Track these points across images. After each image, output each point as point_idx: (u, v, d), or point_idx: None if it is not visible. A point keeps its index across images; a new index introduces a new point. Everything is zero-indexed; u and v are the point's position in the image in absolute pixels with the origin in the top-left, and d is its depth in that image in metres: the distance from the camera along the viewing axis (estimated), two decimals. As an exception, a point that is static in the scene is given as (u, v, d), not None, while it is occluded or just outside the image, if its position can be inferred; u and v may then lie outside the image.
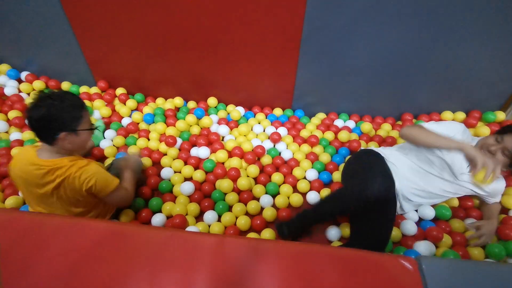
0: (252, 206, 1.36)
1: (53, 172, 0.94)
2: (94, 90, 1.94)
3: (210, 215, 1.33)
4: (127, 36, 1.67)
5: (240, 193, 1.44)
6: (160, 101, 1.95)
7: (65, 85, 1.96)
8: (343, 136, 1.75)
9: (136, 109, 1.90)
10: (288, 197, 1.45)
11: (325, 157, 1.64)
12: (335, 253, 0.52)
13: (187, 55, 1.71)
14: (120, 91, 1.95)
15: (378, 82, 1.75)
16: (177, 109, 1.92)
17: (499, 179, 1.25)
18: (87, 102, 1.84)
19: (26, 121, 0.92)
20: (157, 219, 1.29)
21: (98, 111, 1.82)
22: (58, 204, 1.00)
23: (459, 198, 1.40)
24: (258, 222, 1.32)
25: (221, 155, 1.58)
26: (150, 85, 1.94)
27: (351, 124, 1.88)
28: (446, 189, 1.22)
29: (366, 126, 1.82)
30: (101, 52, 1.78)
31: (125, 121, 1.80)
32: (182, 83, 1.90)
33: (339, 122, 1.88)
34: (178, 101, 1.93)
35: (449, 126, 1.22)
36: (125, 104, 1.90)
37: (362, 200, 1.02)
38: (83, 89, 1.95)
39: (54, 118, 0.90)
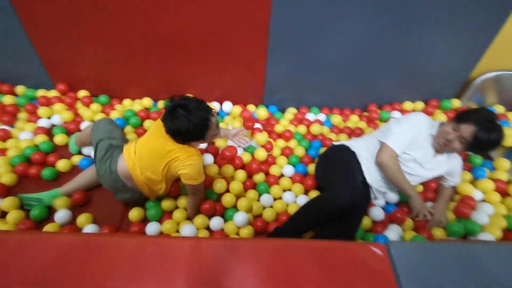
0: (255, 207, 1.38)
1: (174, 152, 1.11)
2: (53, 93, 1.81)
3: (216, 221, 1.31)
4: (88, 34, 1.57)
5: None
6: (127, 102, 1.86)
7: (20, 89, 1.81)
8: (316, 129, 1.79)
9: (102, 112, 1.80)
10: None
11: (299, 151, 1.67)
12: (311, 245, 0.54)
13: (154, 53, 1.66)
14: (82, 93, 1.84)
15: (344, 75, 1.81)
16: (146, 110, 1.85)
17: (457, 160, 1.34)
18: (45, 108, 1.72)
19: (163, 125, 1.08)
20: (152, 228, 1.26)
21: (59, 115, 1.70)
22: (161, 175, 1.16)
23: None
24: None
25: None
26: (115, 86, 1.85)
27: (322, 117, 1.93)
28: (413, 180, 1.30)
29: (336, 119, 1.88)
30: (59, 52, 1.67)
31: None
32: (150, 83, 1.84)
33: (310, 116, 1.92)
34: (146, 101, 1.86)
35: (417, 126, 1.27)
36: (88, 107, 1.80)
37: (335, 209, 1.10)
38: (41, 92, 1.82)
39: (187, 133, 1.06)
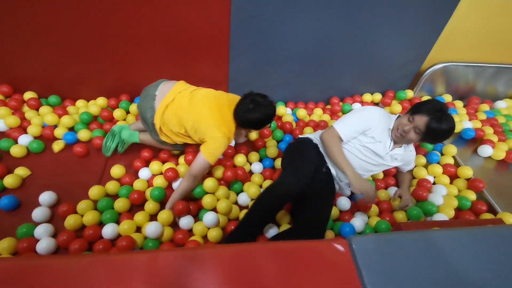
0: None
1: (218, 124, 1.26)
2: (-6, 96, 1.63)
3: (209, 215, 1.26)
4: (33, 30, 1.43)
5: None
6: (81, 103, 1.73)
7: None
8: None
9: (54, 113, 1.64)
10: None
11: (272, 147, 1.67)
12: (272, 247, 0.54)
13: (109, 50, 1.55)
14: (29, 95, 1.67)
15: (307, 69, 1.85)
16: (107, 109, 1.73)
17: (411, 150, 1.40)
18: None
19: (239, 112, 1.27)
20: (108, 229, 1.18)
21: (3, 120, 1.53)
22: (189, 138, 1.34)
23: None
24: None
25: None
26: (66, 86, 1.71)
27: (287, 111, 1.95)
28: (373, 169, 1.36)
29: (301, 112, 1.91)
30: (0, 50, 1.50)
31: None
32: (105, 81, 1.72)
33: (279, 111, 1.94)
34: (101, 101, 1.75)
35: (368, 119, 1.29)
36: (36, 110, 1.64)
37: (282, 195, 1.14)
38: (-21, 96, 1.63)
39: (255, 123, 1.29)
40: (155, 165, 1.45)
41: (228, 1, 1.42)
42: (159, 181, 1.39)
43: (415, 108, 1.24)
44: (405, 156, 1.38)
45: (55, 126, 1.59)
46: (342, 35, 1.68)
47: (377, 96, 2.05)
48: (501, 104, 2.16)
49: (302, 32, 1.63)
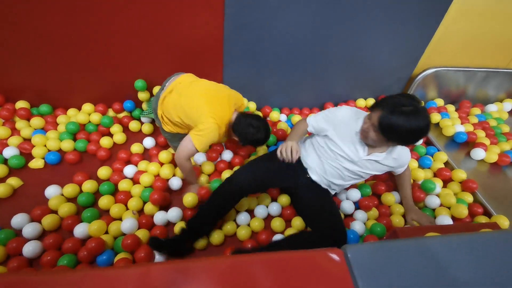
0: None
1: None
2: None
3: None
4: (24, 39, 1.41)
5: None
6: (72, 112, 1.71)
7: None
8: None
9: (43, 129, 1.62)
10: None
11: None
12: (266, 258, 0.53)
13: (104, 57, 1.55)
14: (21, 104, 1.65)
15: (301, 75, 1.86)
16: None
17: (394, 157, 1.21)
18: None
19: None
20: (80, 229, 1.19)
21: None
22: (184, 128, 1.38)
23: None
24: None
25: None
26: (59, 94, 1.69)
27: (283, 117, 1.95)
28: (352, 177, 1.28)
29: (296, 118, 1.91)
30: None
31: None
32: (97, 88, 1.70)
33: (272, 116, 1.94)
34: (89, 108, 1.72)
35: (331, 118, 1.24)
36: (26, 120, 1.61)
37: (232, 188, 1.20)
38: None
39: (246, 135, 1.32)
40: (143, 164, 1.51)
41: (221, 9, 1.43)
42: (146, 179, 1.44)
43: (373, 105, 1.09)
44: (390, 162, 1.22)
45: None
46: (335, 41, 1.69)
47: (371, 101, 2.07)
48: (492, 108, 2.19)
49: (295, 38, 1.64)
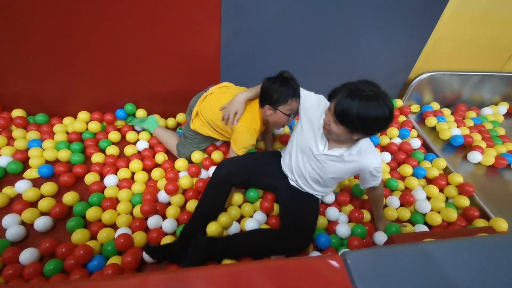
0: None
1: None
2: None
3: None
4: (19, 46, 1.41)
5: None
6: (68, 120, 1.70)
7: None
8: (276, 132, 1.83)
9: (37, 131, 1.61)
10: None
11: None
12: (265, 266, 0.52)
13: (100, 65, 1.54)
14: (17, 113, 1.64)
15: (299, 80, 1.86)
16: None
17: (355, 160, 1.10)
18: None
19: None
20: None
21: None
22: (215, 133, 1.46)
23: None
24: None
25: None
26: (55, 102, 1.68)
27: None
28: (315, 177, 1.23)
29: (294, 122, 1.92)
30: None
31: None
32: (94, 95, 1.70)
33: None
34: (84, 115, 1.71)
35: (305, 96, 1.23)
36: (24, 129, 1.61)
37: (213, 180, 1.25)
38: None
39: (266, 93, 1.21)
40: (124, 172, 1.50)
41: (217, 15, 1.44)
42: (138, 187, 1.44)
43: (331, 92, 1.00)
44: (354, 158, 1.09)
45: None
46: (331, 46, 1.71)
47: (367, 106, 2.08)
48: (487, 111, 2.21)
49: (291, 44, 1.65)
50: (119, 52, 1.51)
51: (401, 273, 0.53)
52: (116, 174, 1.49)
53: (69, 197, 1.33)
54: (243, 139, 1.32)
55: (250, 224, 1.31)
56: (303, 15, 1.54)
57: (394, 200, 1.50)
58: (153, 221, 1.30)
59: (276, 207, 1.43)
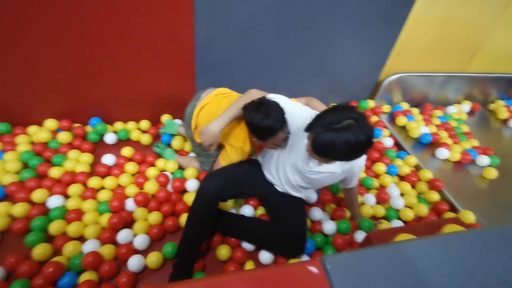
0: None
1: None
2: None
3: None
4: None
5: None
6: (33, 129, 1.59)
7: None
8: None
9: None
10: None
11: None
12: (246, 276, 0.52)
13: (63, 68, 1.46)
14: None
15: (274, 83, 1.87)
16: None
17: (344, 174, 1.16)
18: None
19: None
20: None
21: None
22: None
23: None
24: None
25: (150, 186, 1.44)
26: (18, 110, 1.57)
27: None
28: (303, 185, 1.24)
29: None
30: None
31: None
32: (62, 103, 1.61)
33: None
34: (50, 123, 1.61)
35: (295, 112, 1.16)
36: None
37: (200, 198, 1.14)
38: None
39: (250, 126, 1.12)
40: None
41: (191, 20, 1.42)
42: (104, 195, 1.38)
43: (309, 124, 0.94)
44: (343, 169, 1.13)
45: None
46: (306, 50, 1.74)
47: (342, 107, 2.13)
48: (452, 109, 2.35)
49: (266, 47, 1.66)
50: (90, 57, 1.44)
51: (380, 275, 0.54)
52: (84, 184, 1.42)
53: (19, 209, 1.23)
54: (232, 158, 1.30)
55: (245, 210, 1.37)
56: (277, 20, 1.55)
57: (370, 198, 1.55)
58: (123, 236, 1.24)
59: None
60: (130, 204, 1.36)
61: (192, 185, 1.46)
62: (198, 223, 1.16)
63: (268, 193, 1.33)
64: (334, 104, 2.12)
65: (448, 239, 0.63)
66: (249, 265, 1.23)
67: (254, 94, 1.20)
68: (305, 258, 1.27)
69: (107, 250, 1.17)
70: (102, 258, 1.15)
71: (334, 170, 1.12)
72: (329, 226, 1.37)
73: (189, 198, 1.42)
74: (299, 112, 1.15)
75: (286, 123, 1.11)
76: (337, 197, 1.56)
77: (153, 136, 1.74)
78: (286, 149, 1.18)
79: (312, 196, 1.49)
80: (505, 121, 2.40)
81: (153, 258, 1.18)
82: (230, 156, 1.31)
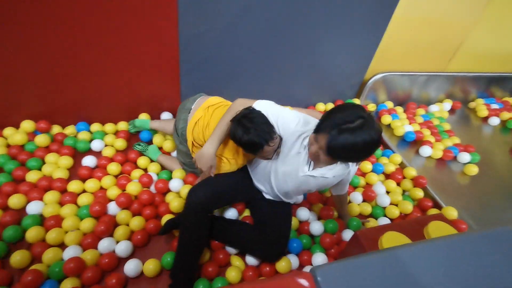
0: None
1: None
2: None
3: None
4: None
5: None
6: (9, 131, 1.52)
7: None
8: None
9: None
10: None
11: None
12: None
13: (39, 68, 1.39)
14: None
15: (261, 82, 1.87)
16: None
17: (342, 168, 1.12)
18: None
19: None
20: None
21: None
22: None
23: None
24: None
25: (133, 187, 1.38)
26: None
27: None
28: (296, 191, 1.22)
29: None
30: None
31: None
32: (38, 105, 1.54)
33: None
34: (27, 124, 1.54)
35: (285, 122, 1.09)
36: None
37: (189, 211, 1.09)
38: None
39: (239, 143, 1.06)
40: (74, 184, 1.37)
41: (175, 18, 1.39)
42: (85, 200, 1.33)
43: (319, 125, 0.94)
44: (335, 177, 1.13)
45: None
46: (292, 48, 1.73)
47: (330, 106, 2.15)
48: (434, 108, 2.40)
49: (252, 46, 1.64)
50: (68, 56, 1.38)
51: (373, 286, 0.52)
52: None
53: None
54: (225, 169, 1.24)
55: (229, 214, 1.36)
56: (263, 19, 1.54)
57: (357, 196, 1.56)
58: (105, 245, 1.19)
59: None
60: (112, 208, 1.31)
61: (176, 185, 1.42)
62: (191, 239, 1.10)
63: (256, 199, 1.31)
64: (321, 103, 2.13)
65: (439, 243, 0.62)
66: (231, 271, 1.21)
67: (238, 105, 1.11)
68: (293, 258, 1.27)
69: (89, 256, 1.13)
70: (85, 264, 1.10)
71: (328, 170, 1.09)
72: (317, 226, 1.36)
73: (170, 198, 1.39)
74: (289, 118, 1.08)
75: (272, 136, 1.03)
76: (323, 197, 1.57)
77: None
78: (281, 161, 1.13)
79: (299, 198, 1.49)
80: (484, 119, 2.48)
81: (150, 266, 1.16)
82: (222, 167, 1.24)
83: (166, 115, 1.79)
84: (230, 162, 1.23)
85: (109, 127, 1.69)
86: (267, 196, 1.30)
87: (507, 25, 2.19)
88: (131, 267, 1.14)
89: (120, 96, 1.64)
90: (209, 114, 1.27)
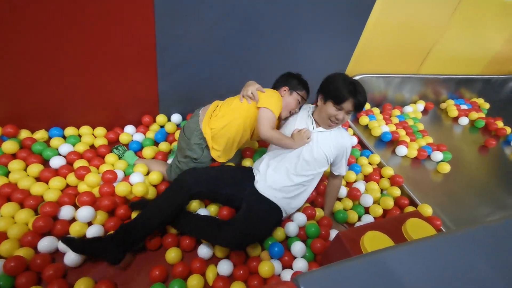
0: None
1: None
2: None
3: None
4: None
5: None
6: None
7: None
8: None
9: None
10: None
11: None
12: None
13: (13, 69, 1.31)
14: None
15: (241, 84, 1.84)
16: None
17: (345, 132, 1.39)
18: None
19: None
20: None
21: None
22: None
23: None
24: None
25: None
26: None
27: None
28: (299, 168, 1.30)
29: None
30: None
31: None
32: (7, 107, 1.44)
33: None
34: None
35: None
36: None
37: (175, 183, 1.21)
38: None
39: (288, 78, 1.50)
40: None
41: (151, 18, 1.35)
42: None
43: (331, 93, 1.24)
44: (335, 136, 1.32)
45: None
46: (271, 51, 1.74)
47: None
48: (408, 109, 2.50)
49: (231, 48, 1.63)
50: (39, 56, 1.30)
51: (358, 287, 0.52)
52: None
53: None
54: (273, 102, 1.32)
55: (202, 212, 1.34)
56: (241, 23, 1.53)
57: (341, 190, 1.57)
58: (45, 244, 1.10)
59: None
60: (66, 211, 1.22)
61: (136, 179, 1.37)
62: (162, 207, 1.15)
63: (245, 195, 1.28)
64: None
65: (422, 246, 0.63)
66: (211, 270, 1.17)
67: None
68: (276, 263, 1.23)
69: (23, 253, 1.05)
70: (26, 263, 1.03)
71: (332, 134, 1.31)
72: (292, 228, 1.34)
73: (120, 188, 1.31)
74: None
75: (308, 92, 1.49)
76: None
77: (110, 141, 1.64)
78: (292, 124, 1.38)
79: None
80: (455, 119, 2.61)
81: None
82: (271, 101, 1.33)
83: (129, 129, 1.73)
84: (220, 154, 1.35)
85: (85, 129, 1.62)
86: (257, 185, 1.30)
87: (473, 31, 2.32)
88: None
89: (96, 99, 1.57)
90: (224, 107, 1.36)
